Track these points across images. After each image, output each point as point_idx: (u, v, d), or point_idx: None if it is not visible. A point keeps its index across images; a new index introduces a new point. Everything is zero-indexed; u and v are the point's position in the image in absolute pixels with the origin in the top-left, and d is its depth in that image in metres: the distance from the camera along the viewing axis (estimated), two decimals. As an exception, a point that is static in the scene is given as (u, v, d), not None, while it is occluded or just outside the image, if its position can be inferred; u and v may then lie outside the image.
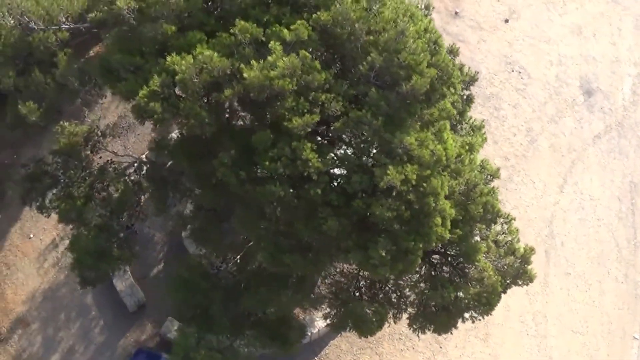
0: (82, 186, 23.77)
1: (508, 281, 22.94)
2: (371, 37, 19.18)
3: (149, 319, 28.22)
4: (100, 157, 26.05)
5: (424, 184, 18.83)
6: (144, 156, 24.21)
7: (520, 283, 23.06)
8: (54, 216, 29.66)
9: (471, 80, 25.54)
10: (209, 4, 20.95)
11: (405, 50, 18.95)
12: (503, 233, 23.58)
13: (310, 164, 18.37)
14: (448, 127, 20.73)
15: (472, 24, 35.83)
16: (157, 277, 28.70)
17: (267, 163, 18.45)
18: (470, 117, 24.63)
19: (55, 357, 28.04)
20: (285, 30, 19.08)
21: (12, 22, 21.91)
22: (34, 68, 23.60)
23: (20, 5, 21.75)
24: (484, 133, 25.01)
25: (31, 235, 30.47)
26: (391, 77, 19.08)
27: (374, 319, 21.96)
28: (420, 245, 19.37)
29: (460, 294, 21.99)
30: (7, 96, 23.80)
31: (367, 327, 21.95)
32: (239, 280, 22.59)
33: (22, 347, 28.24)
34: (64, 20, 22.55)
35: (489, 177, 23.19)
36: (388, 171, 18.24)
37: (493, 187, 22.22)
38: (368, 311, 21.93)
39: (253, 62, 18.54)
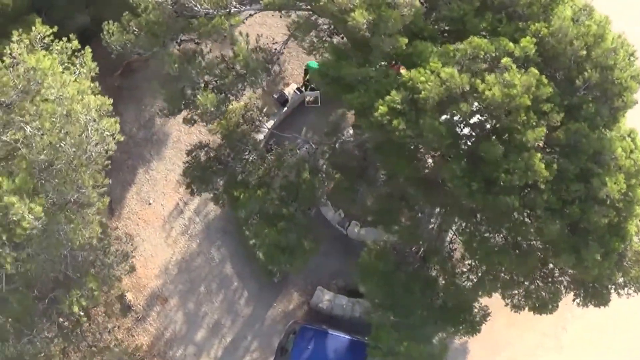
0: (257, 173, 25.89)
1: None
2: (584, 52, 22.21)
3: (295, 288, 30.10)
4: (265, 140, 28.08)
5: (630, 193, 22.66)
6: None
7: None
8: (172, 179, 31.60)
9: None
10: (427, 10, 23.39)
11: (617, 68, 22.29)
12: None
13: (541, 174, 21.76)
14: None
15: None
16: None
17: (503, 175, 21.70)
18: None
19: (201, 333, 29.44)
20: (511, 44, 21.90)
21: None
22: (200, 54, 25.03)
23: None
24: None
25: (151, 201, 31.67)
26: (603, 92, 22.42)
27: (550, 301, 26.06)
28: (622, 246, 23.44)
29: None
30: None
31: (545, 309, 25.95)
32: (427, 267, 26.04)
33: (163, 325, 29.60)
34: (234, 3, 24.14)
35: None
36: (607, 182, 21.93)
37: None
38: (544, 294, 26.00)
39: (488, 78, 21.40)
